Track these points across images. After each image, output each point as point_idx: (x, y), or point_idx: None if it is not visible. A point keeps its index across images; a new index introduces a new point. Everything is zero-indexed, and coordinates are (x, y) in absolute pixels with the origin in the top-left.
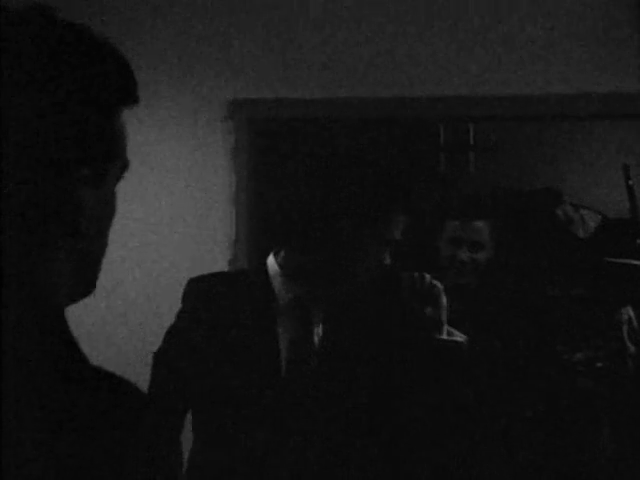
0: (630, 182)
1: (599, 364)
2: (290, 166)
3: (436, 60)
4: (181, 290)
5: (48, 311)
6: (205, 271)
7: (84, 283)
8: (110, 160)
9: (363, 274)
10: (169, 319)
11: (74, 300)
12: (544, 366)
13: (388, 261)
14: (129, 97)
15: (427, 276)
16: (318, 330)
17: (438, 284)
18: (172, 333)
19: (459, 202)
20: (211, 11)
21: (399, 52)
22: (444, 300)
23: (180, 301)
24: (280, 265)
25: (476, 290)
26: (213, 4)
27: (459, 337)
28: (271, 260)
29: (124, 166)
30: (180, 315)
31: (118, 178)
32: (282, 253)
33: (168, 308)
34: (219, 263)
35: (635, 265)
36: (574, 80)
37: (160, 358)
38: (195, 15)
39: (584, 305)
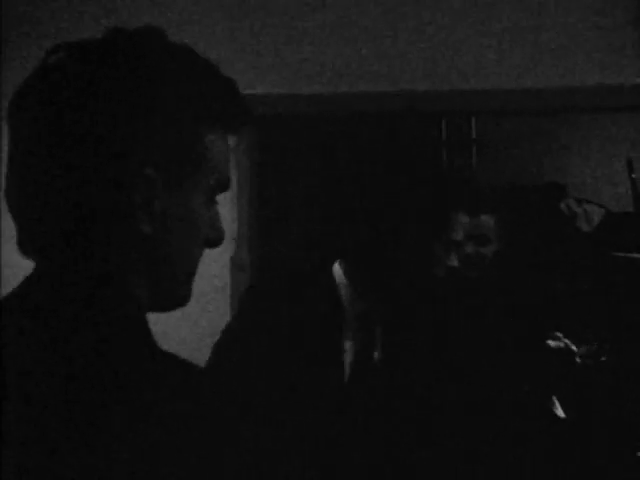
0: (634, 175)
1: (604, 358)
2: (298, 163)
3: (438, 54)
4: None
5: (128, 315)
6: (206, 266)
7: (167, 292)
8: (182, 169)
9: (430, 278)
10: (170, 316)
11: (163, 309)
12: (548, 360)
13: (455, 263)
14: (222, 122)
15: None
16: (380, 341)
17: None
18: (227, 341)
19: (464, 196)
20: (215, 7)
21: (401, 46)
22: None
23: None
24: (346, 275)
25: (481, 283)
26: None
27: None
28: (337, 268)
29: (217, 184)
30: (240, 322)
31: (207, 194)
32: (345, 264)
33: None
34: (221, 259)
35: (639, 258)
36: (577, 73)
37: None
38: (198, 10)
39: (588, 299)
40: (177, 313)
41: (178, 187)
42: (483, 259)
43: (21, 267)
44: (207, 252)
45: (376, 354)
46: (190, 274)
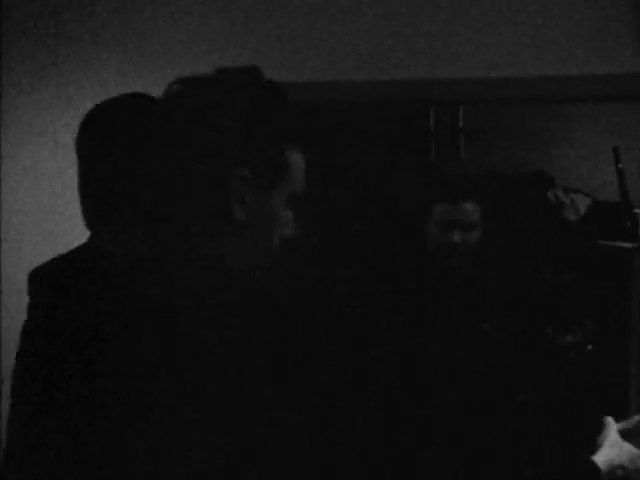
0: (620, 165)
1: (589, 347)
2: None
3: (426, 42)
4: None
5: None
6: None
7: (253, 263)
8: (270, 175)
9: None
10: None
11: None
12: (535, 349)
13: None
14: (299, 144)
15: None
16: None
17: None
18: None
19: (448, 184)
20: None
21: (389, 35)
22: None
23: None
24: None
25: (466, 272)
26: None
27: None
28: None
29: (295, 192)
30: None
31: (286, 199)
32: None
33: None
34: None
35: (625, 247)
36: (564, 62)
37: None
38: None
39: (575, 288)
40: None
41: (265, 188)
42: (468, 247)
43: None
44: None
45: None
46: (269, 257)
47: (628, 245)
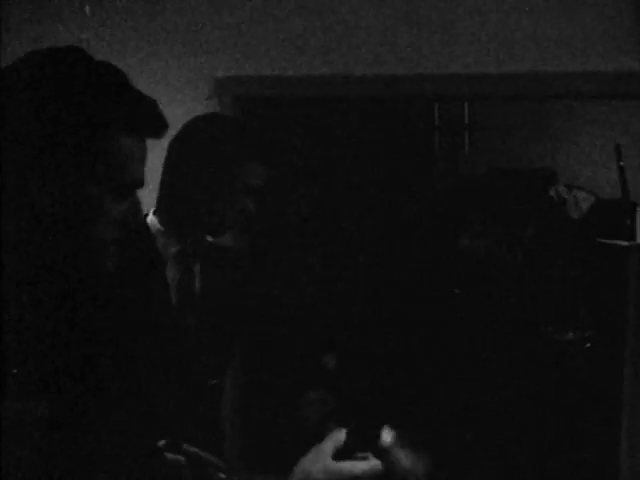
0: (621, 162)
1: (588, 344)
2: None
3: (430, 37)
4: None
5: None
6: None
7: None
8: (80, 160)
9: (230, 220)
10: None
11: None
12: (534, 346)
13: (252, 207)
14: (132, 128)
15: None
16: (197, 273)
17: None
18: None
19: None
20: None
21: (391, 29)
22: None
23: None
24: (161, 223)
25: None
26: None
27: None
28: (152, 218)
29: (130, 181)
30: None
31: (111, 188)
32: (159, 213)
33: None
34: None
35: (624, 246)
36: (568, 59)
37: None
38: None
39: (575, 285)
40: None
41: (77, 177)
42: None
43: None
44: None
45: (197, 283)
46: (105, 254)
47: (625, 243)
